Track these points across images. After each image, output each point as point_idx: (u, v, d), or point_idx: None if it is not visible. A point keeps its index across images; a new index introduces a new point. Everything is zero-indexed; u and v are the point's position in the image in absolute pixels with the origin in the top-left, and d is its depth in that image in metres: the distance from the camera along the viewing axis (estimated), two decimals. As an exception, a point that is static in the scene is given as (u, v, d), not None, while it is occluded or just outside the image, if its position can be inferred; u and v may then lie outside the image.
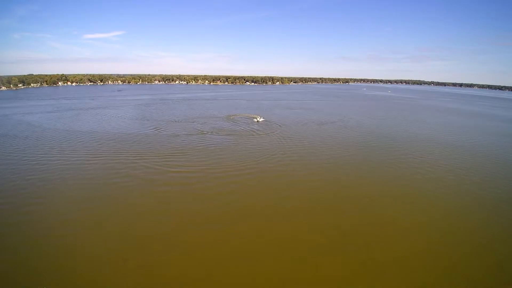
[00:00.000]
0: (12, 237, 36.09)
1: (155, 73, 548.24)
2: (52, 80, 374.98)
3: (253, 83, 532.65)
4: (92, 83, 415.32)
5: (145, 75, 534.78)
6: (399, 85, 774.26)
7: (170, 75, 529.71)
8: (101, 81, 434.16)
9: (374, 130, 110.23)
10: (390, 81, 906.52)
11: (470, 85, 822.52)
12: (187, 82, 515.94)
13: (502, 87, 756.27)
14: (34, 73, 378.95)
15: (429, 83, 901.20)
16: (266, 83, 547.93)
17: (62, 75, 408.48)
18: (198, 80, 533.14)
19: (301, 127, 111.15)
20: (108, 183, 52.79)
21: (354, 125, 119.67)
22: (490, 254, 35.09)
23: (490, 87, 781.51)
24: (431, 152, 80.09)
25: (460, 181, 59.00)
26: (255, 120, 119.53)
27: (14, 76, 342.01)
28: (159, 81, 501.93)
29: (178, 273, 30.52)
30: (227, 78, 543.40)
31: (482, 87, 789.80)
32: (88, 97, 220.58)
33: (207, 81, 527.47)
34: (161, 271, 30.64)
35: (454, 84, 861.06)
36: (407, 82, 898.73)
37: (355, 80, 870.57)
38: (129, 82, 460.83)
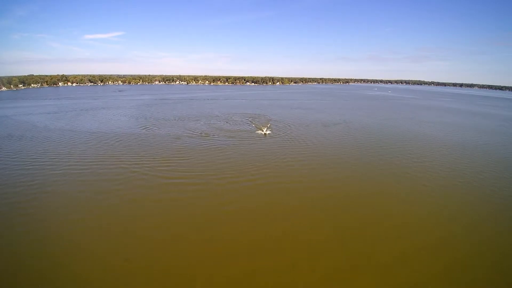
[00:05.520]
0: (13, 237, 35.97)
1: (155, 74, 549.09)
2: (52, 81, 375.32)
3: (253, 84, 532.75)
4: (92, 84, 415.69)
5: (145, 75, 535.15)
6: (399, 85, 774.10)
7: (170, 75, 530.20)
8: (101, 81, 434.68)
9: (376, 131, 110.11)
10: (390, 81, 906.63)
11: (471, 85, 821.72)
12: (187, 83, 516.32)
13: (503, 87, 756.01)
14: (34, 74, 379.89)
15: (429, 83, 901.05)
16: (267, 83, 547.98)
17: (63, 75, 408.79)
18: (198, 80, 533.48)
19: (304, 128, 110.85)
20: (109, 184, 52.67)
21: (357, 126, 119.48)
22: (490, 253, 34.90)
23: (490, 87, 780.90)
24: (434, 152, 79.91)
25: (461, 180, 58.75)
26: (261, 132, 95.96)
27: (15, 76, 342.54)
28: (159, 82, 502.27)
29: (179, 273, 30.35)
30: (227, 79, 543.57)
31: (482, 87, 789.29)
32: (90, 97, 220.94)
33: (207, 82, 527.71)
34: (162, 271, 30.48)
35: (455, 84, 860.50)
36: (407, 82, 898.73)
37: (355, 80, 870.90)
38: (129, 83, 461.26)
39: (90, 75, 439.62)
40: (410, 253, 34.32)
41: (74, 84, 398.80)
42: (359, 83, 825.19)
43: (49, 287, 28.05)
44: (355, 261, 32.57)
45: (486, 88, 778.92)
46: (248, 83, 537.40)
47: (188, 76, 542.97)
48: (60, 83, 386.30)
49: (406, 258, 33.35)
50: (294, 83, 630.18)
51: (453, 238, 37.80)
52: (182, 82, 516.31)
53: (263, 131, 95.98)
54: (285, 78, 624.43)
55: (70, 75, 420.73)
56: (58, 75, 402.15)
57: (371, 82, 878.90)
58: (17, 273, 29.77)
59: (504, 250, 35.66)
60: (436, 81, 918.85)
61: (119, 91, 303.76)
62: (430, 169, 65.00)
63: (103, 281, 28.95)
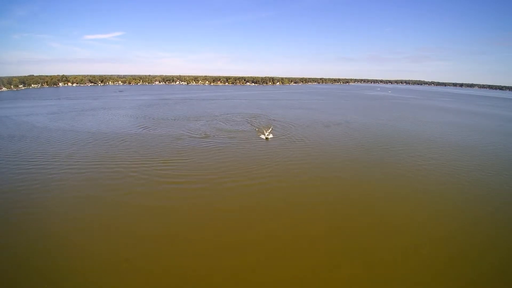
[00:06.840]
0: (13, 237, 35.97)
1: (155, 74, 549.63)
2: (52, 81, 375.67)
3: (253, 84, 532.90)
4: (92, 84, 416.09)
5: (145, 75, 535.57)
6: (399, 85, 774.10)
7: (170, 75, 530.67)
8: (101, 81, 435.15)
9: (377, 131, 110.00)
10: (390, 81, 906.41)
11: (471, 85, 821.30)
12: (188, 83, 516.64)
13: (503, 87, 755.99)
14: (34, 74, 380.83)
15: (430, 83, 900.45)
16: (267, 83, 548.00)
17: (63, 75, 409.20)
18: (198, 80, 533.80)
19: (305, 129, 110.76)
20: (109, 184, 52.68)
21: (358, 126, 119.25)
22: (491, 253, 34.84)
23: (490, 87, 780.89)
24: (434, 153, 79.77)
25: (462, 181, 58.70)
26: (263, 136, 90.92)
27: (15, 77, 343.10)
28: (160, 82, 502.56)
29: (179, 273, 30.30)
30: (227, 79, 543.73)
31: (482, 87, 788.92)
32: (90, 98, 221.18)
33: (207, 82, 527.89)
34: (162, 271, 30.41)
35: (455, 84, 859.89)
36: (407, 82, 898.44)
37: (355, 80, 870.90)
38: (129, 83, 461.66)
39: (90, 76, 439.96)
40: (411, 253, 34.27)
41: (74, 85, 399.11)
42: (359, 83, 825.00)
43: (49, 287, 28.02)
44: (359, 262, 32.51)
45: (486, 88, 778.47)
46: (248, 83, 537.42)
47: (188, 76, 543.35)
48: (60, 84, 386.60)
49: (407, 258, 33.29)
50: (294, 83, 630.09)
51: (453, 239, 37.70)
52: (182, 82, 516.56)
53: (264, 135, 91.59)
54: (285, 78, 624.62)
55: (70, 76, 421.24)
56: (58, 75, 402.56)
57: (371, 82, 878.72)
58: (17, 274, 29.75)
59: (505, 251, 35.60)
60: (436, 81, 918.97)
61: (119, 91, 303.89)
62: (430, 169, 64.90)
63: (103, 281, 28.91)
